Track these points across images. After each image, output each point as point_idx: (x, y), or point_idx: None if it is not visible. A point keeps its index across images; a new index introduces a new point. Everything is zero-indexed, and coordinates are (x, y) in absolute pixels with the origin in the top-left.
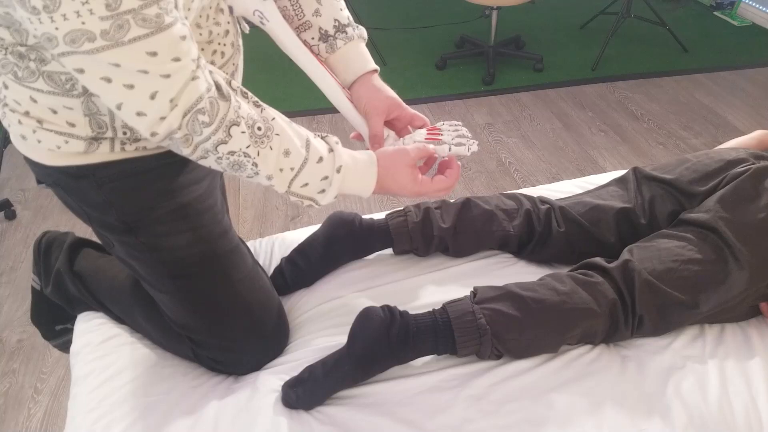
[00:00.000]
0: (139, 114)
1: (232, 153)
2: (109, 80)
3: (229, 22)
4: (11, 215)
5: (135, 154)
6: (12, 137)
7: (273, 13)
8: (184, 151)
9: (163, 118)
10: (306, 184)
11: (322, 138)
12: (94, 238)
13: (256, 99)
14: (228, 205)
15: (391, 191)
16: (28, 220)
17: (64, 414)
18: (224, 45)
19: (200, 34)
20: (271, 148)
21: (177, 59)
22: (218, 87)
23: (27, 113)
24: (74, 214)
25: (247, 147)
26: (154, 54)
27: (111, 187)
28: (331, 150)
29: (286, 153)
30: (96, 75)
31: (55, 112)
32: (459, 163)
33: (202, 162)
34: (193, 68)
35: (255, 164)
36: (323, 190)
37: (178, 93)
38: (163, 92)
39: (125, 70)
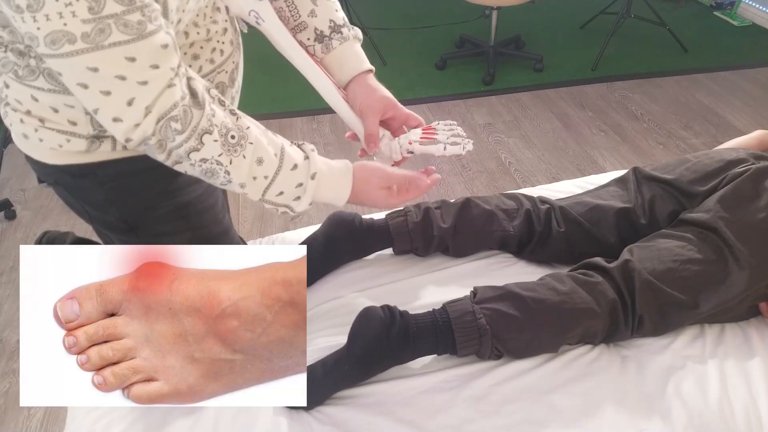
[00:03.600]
0: (115, 120)
1: (204, 160)
2: (86, 86)
3: (226, 21)
4: (11, 215)
5: (136, 153)
6: (14, 136)
7: (268, 14)
8: (159, 157)
9: (137, 125)
10: (281, 193)
11: (299, 146)
12: (95, 238)
13: (232, 107)
14: (228, 204)
15: (365, 204)
16: (28, 220)
17: (64, 414)
18: (223, 43)
19: (198, 33)
20: (244, 157)
21: (156, 66)
22: (194, 95)
23: (28, 112)
24: (75, 213)
25: (220, 155)
26: (132, 60)
27: (112, 186)
28: (306, 157)
29: (260, 161)
30: (74, 79)
31: (56, 110)
32: (437, 176)
33: (177, 167)
34: (171, 76)
35: (227, 172)
36: (298, 197)
37: (153, 100)
38: (139, 99)
39: (103, 75)
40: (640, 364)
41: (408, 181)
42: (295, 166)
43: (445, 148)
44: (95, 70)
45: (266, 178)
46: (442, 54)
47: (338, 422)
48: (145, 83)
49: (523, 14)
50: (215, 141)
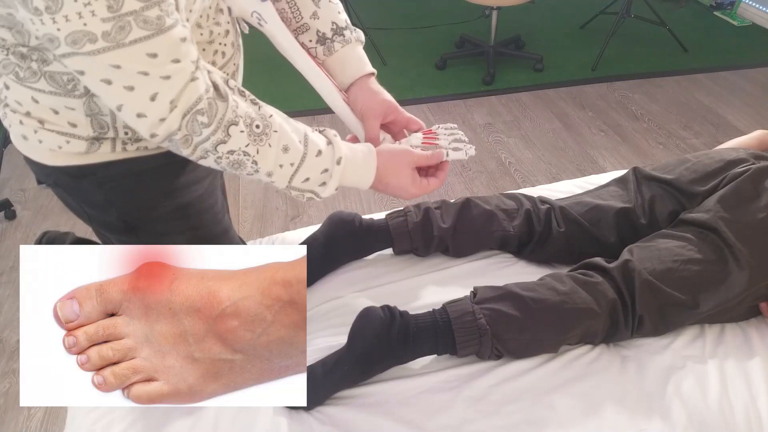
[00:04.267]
0: (139, 115)
1: (231, 152)
2: (109, 82)
3: (228, 22)
4: (11, 215)
5: (136, 154)
6: (13, 137)
7: (271, 15)
8: (184, 152)
9: (162, 120)
10: (307, 179)
11: (320, 132)
12: (95, 238)
13: (253, 97)
14: (228, 204)
15: (389, 187)
16: (28, 220)
17: (64, 414)
18: (225, 45)
19: (201, 34)
20: (270, 146)
21: (177, 61)
22: (216, 87)
23: (28, 114)
24: (74, 214)
25: (246, 146)
26: (154, 56)
27: (112, 187)
28: (329, 143)
29: (285, 149)
30: (97, 76)
31: (56, 112)
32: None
33: (201, 162)
34: (192, 69)
35: (255, 162)
36: (324, 183)
37: (178, 94)
38: (163, 94)
39: (126, 71)
40: (640, 364)
41: (431, 157)
42: (320, 152)
43: (447, 155)
44: (118, 67)
45: (292, 165)
46: (442, 54)
47: (338, 422)
48: (167, 78)
49: (523, 14)
50: (241, 132)
